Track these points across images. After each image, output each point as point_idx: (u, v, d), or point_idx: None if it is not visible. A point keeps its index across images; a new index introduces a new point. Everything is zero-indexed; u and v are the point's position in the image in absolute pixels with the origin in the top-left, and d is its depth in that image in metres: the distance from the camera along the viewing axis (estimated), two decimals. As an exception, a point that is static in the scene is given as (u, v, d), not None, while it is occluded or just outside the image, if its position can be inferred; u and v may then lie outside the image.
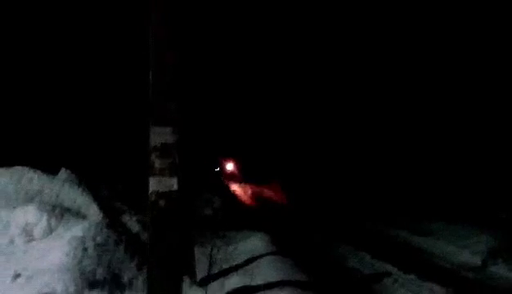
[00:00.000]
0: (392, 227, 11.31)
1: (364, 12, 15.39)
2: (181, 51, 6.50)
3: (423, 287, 7.51)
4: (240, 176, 29.17)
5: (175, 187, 5.96)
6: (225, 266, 7.34)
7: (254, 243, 8.24)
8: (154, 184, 5.85)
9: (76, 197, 7.99)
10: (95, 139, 10.67)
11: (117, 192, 9.12)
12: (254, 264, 7.17)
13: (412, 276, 7.94)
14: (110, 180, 9.41)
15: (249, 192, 23.34)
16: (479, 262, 8.54)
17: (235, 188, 25.13)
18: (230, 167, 31.66)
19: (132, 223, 8.30)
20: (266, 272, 6.78)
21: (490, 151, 11.40)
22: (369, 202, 13.73)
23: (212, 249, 7.91)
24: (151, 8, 5.83)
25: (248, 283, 6.43)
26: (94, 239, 6.96)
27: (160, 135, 5.82)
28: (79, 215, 7.70)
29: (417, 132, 13.94)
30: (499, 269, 8.15)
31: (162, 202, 5.91)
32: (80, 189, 8.02)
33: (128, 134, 11.45)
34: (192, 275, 6.94)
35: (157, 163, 5.87)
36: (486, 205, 10.32)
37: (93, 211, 7.77)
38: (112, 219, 7.87)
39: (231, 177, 29.39)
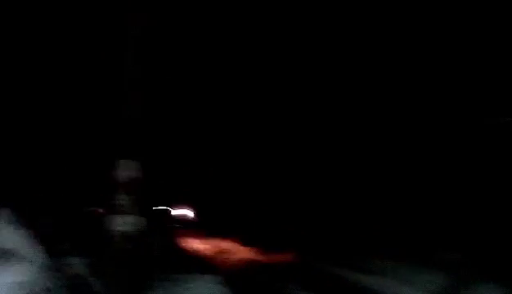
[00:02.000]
0: (339, 266, 11.32)
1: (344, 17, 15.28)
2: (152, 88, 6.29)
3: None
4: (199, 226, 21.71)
5: (141, 227, 5.65)
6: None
7: (208, 287, 7.86)
8: (117, 224, 5.51)
9: (15, 237, 7.31)
10: (35, 173, 9.91)
11: (59, 230, 8.47)
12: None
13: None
14: (50, 217, 8.74)
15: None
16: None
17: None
18: (184, 212, 23.91)
19: (77, 265, 7.65)
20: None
21: (436, 192, 11.78)
22: (314, 240, 13.74)
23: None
24: (125, 48, 5.61)
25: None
26: (38, 284, 6.36)
27: (127, 170, 5.52)
28: (19, 257, 7.05)
29: (362, 169, 14.22)
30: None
31: (126, 244, 5.56)
32: (20, 229, 7.35)
33: (68, 166, 10.82)
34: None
35: (122, 200, 5.54)
36: (430, 245, 10.57)
37: (35, 253, 7.12)
38: (56, 261, 7.24)
39: (187, 226, 21.48)
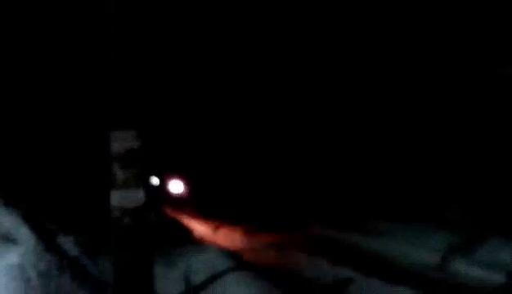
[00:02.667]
0: (343, 230, 11.10)
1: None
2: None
3: (390, 291, 7.34)
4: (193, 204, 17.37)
5: (142, 201, 5.18)
6: (182, 288, 6.53)
7: (210, 259, 7.49)
8: (116, 199, 5.01)
9: (2, 219, 6.84)
10: (19, 148, 9.31)
11: (46, 209, 7.98)
12: (218, 282, 6.45)
13: (375, 280, 7.72)
14: (37, 195, 8.23)
15: None
16: (439, 260, 8.55)
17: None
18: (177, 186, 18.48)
19: (69, 246, 7.20)
20: (236, 291, 6.13)
21: (441, 152, 11.54)
22: (316, 205, 13.41)
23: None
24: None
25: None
26: (35, 267, 5.93)
27: (123, 141, 5.01)
28: (9, 240, 6.59)
29: (365, 131, 13.86)
30: (459, 266, 8.21)
31: (127, 220, 5.09)
32: (7, 210, 6.86)
33: (56, 139, 10.24)
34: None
35: (120, 174, 5.03)
36: (436, 204, 10.44)
37: (25, 235, 6.65)
38: (48, 242, 6.78)
39: (180, 204, 17.46)
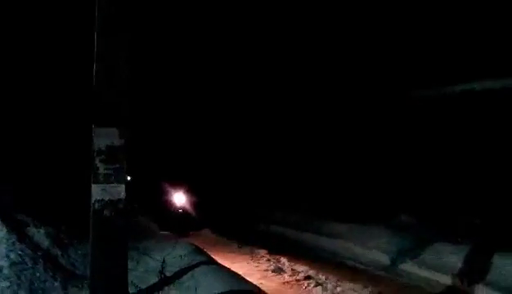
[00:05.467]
0: (300, 230, 11.61)
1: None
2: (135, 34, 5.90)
3: (344, 288, 7.82)
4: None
5: (122, 195, 5.43)
6: (153, 281, 6.80)
7: (183, 253, 7.82)
8: (97, 193, 5.26)
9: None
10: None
11: (17, 201, 8.02)
12: (190, 274, 6.78)
13: (331, 278, 8.22)
14: (8, 188, 8.24)
15: None
16: (388, 261, 9.13)
17: None
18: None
19: (40, 237, 7.33)
20: (206, 283, 6.44)
21: (395, 162, 12.20)
22: (277, 206, 13.85)
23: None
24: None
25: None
26: (8, 257, 6.07)
27: (105, 138, 5.25)
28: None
29: (325, 138, 14.41)
30: (408, 267, 8.79)
31: (107, 212, 5.33)
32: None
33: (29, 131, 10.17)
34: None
35: (101, 169, 5.29)
36: (388, 209, 11.03)
37: (-6, 225, 6.73)
38: (19, 233, 6.89)
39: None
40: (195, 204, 13.75)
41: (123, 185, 5.26)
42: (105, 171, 5.24)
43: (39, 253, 6.60)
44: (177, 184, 14.24)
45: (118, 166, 5.28)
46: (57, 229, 7.65)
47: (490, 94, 10.58)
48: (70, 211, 8.27)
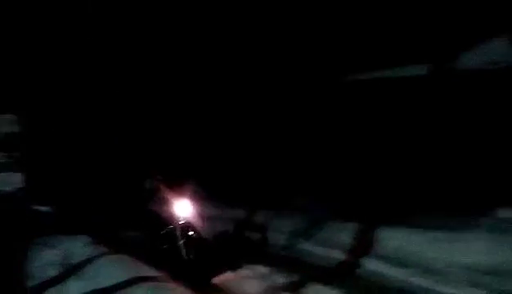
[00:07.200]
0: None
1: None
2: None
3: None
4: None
5: (20, 185, 5.25)
6: (54, 273, 6.62)
7: (85, 245, 7.66)
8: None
9: None
10: None
11: None
12: (92, 264, 6.70)
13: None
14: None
15: None
16: (287, 242, 9.62)
17: None
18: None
19: None
20: (107, 272, 6.41)
21: (291, 147, 12.51)
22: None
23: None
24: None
25: (95, 287, 6.01)
26: None
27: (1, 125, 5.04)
28: None
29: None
30: (304, 246, 9.40)
31: (4, 204, 5.14)
32: None
33: None
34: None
35: (-2, 158, 5.08)
36: (285, 193, 11.45)
37: None
38: None
39: None
40: None
41: (20, 175, 5.12)
42: (3, 160, 5.06)
43: None
44: None
45: (16, 154, 5.12)
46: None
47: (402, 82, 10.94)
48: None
